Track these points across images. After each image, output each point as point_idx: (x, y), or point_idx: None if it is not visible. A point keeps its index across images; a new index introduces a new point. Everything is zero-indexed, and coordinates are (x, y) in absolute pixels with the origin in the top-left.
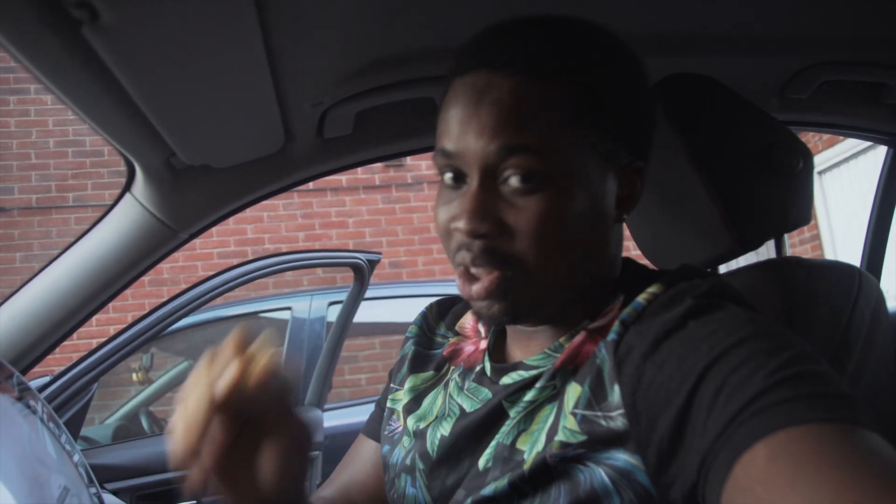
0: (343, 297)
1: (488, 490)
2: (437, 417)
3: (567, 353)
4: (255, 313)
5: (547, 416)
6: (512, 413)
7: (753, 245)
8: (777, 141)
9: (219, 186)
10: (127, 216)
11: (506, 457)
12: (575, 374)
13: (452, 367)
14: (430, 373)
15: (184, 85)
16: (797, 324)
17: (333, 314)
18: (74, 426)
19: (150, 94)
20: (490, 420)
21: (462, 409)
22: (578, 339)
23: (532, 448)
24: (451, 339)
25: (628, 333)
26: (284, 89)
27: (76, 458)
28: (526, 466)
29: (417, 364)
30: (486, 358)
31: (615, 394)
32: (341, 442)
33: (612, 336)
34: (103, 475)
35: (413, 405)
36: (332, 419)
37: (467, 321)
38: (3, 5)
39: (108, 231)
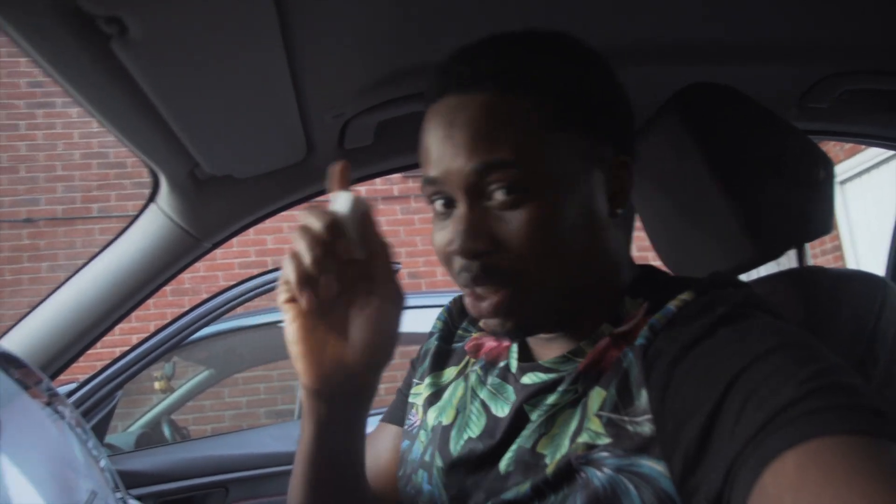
0: None
1: (510, 494)
2: (458, 412)
3: (591, 358)
4: (275, 323)
5: (568, 420)
6: (533, 416)
7: (774, 255)
8: (797, 150)
9: (241, 196)
10: (151, 226)
11: (527, 461)
12: (598, 378)
13: (473, 360)
14: (452, 368)
15: (208, 97)
16: (820, 334)
17: None
18: (99, 433)
19: (175, 106)
20: (514, 425)
21: (487, 409)
22: (602, 344)
23: (555, 452)
24: (474, 334)
25: (658, 339)
26: (306, 101)
27: (103, 463)
28: (549, 470)
29: (439, 360)
30: (512, 355)
31: (642, 398)
32: None
33: (640, 341)
34: (126, 481)
35: (433, 398)
36: None
37: None
38: (37, 21)
39: (134, 240)
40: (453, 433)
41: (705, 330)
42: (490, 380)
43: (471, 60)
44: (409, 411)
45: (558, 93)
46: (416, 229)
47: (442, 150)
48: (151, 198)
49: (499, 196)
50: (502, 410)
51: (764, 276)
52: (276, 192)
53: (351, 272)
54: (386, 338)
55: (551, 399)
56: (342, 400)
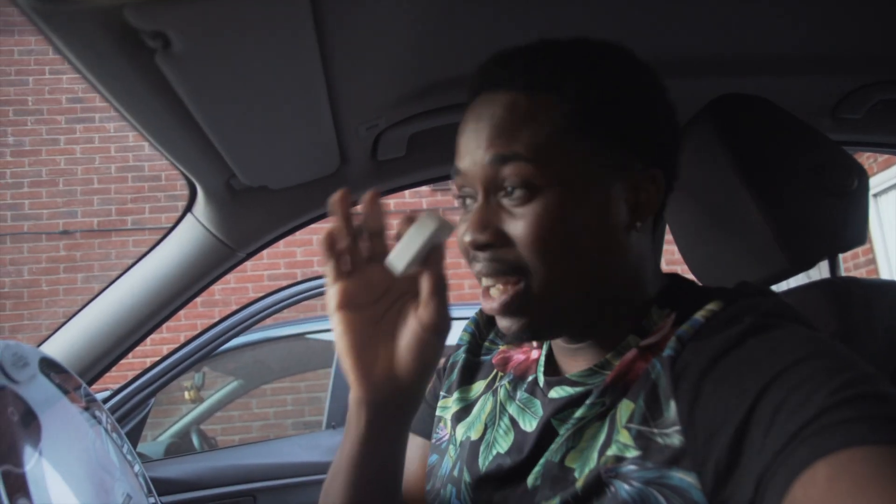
0: None
1: None
2: (486, 426)
3: (618, 370)
4: (304, 334)
5: (597, 433)
6: (561, 430)
7: (806, 265)
8: (830, 160)
9: (276, 207)
10: (188, 235)
11: (555, 475)
12: (626, 391)
13: (501, 375)
14: (480, 382)
15: (246, 109)
16: (855, 345)
17: None
18: (131, 441)
19: (214, 117)
20: (541, 440)
21: (516, 424)
22: (629, 356)
23: (583, 466)
24: (502, 347)
25: (685, 350)
26: (341, 113)
27: (137, 468)
28: (578, 484)
29: (468, 374)
30: (540, 369)
31: (671, 410)
32: None
33: (668, 352)
34: (156, 488)
35: (462, 413)
36: None
37: None
38: (84, 34)
39: (171, 249)
40: (482, 448)
41: (734, 340)
42: (519, 394)
43: (505, 61)
44: (437, 425)
45: (585, 98)
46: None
47: (468, 142)
48: (188, 208)
49: (512, 191)
50: (530, 425)
51: (796, 287)
52: (309, 202)
53: (402, 286)
54: (428, 358)
55: (579, 413)
56: (391, 410)
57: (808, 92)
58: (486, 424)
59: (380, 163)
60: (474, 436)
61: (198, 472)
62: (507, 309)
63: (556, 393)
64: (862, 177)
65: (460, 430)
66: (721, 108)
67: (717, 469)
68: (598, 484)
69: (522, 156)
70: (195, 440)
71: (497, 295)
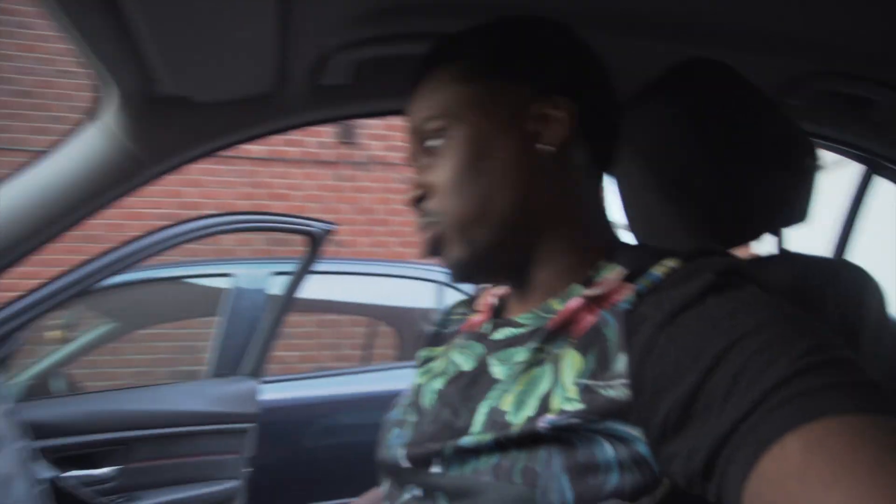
0: (286, 268)
1: (470, 441)
2: (436, 376)
3: (561, 317)
4: (191, 277)
5: (538, 380)
6: (503, 377)
7: (752, 237)
8: (788, 136)
9: (198, 122)
10: (95, 140)
11: (494, 419)
12: (572, 341)
13: (459, 334)
14: (444, 346)
15: (181, 2)
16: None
17: (275, 285)
18: None
19: (141, 5)
20: (477, 373)
21: (456, 365)
22: (573, 303)
23: (519, 410)
24: (469, 316)
25: (643, 304)
26: (288, 25)
27: (5, 408)
28: (514, 430)
29: (435, 339)
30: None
31: (620, 362)
32: (271, 417)
33: (624, 306)
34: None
35: (422, 367)
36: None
37: (482, 299)
38: None
39: (73, 154)
40: (423, 387)
41: (693, 297)
42: (465, 342)
43: (429, 50)
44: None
45: (475, 57)
46: (345, 197)
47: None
48: (97, 112)
49: (430, 143)
50: (468, 364)
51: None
52: (235, 122)
53: None
54: None
55: (520, 356)
56: None
57: (758, 70)
58: (436, 374)
59: (322, 88)
60: (422, 380)
61: (68, 416)
62: (434, 247)
63: (501, 334)
64: (815, 156)
65: (414, 378)
66: (685, 72)
67: (666, 424)
68: (534, 432)
69: (434, 115)
70: (59, 384)
71: (422, 238)
